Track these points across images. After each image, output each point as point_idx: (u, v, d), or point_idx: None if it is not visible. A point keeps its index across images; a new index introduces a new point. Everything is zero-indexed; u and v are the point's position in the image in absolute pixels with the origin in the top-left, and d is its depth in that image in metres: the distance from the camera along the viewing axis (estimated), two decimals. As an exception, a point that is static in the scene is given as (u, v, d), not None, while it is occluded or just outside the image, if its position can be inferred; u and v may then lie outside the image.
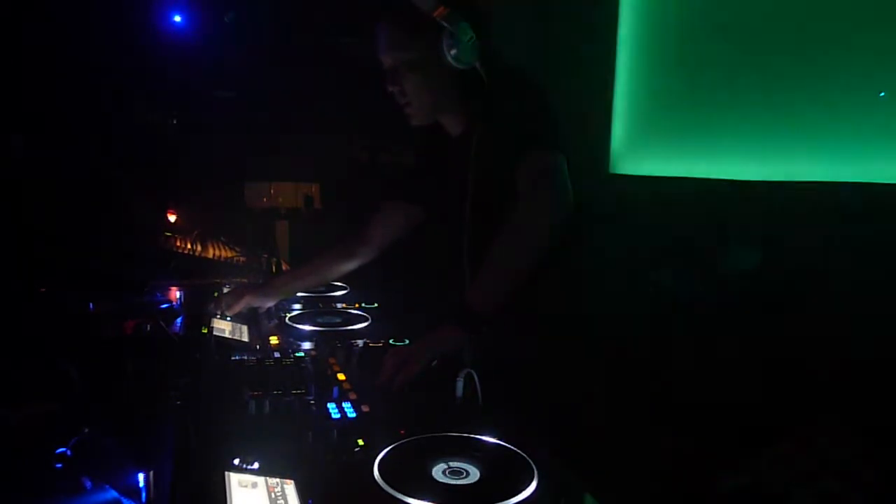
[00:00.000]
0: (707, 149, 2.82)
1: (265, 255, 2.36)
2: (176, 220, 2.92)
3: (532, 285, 1.57)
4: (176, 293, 2.03)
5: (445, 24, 1.37)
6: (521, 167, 1.40)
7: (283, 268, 2.27)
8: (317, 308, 1.93)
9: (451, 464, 0.98)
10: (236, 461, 0.95)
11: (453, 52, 1.39)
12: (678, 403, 2.38)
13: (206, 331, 1.58)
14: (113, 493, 0.91)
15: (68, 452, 0.96)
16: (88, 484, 0.91)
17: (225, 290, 1.96)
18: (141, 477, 0.91)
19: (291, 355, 1.45)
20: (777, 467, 1.98)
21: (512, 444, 1.04)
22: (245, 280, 2.24)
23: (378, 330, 1.74)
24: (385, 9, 1.46)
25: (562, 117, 1.50)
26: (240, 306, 1.78)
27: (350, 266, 1.83)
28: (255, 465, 0.95)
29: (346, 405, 1.21)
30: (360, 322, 1.78)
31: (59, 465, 0.95)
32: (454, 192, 1.58)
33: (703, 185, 2.73)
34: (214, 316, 1.70)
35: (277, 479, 0.92)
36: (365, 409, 1.20)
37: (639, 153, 3.20)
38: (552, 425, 1.30)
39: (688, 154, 2.91)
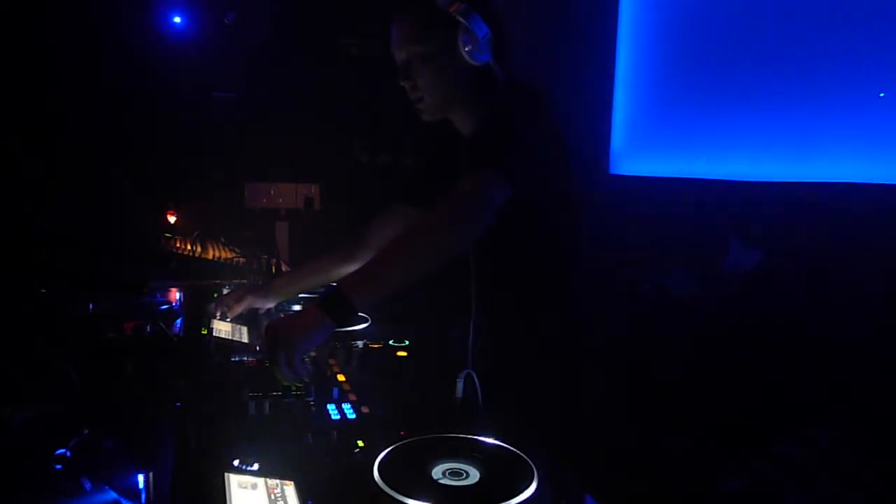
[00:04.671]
0: (707, 149, 2.82)
1: (265, 257, 2.35)
2: (176, 221, 2.92)
3: (532, 286, 1.57)
4: (176, 294, 2.03)
5: (461, 19, 1.35)
6: (466, 173, 1.34)
7: (283, 269, 2.26)
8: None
9: (451, 465, 0.97)
10: (236, 462, 0.95)
11: (467, 47, 1.37)
12: (677, 403, 2.38)
13: (205, 332, 1.58)
14: (112, 495, 0.91)
15: (68, 453, 0.96)
16: (88, 485, 0.91)
17: (225, 292, 1.96)
18: (140, 478, 0.91)
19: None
20: (776, 467, 1.98)
21: (512, 445, 1.04)
22: (245, 281, 2.23)
23: (377, 331, 1.74)
24: (400, 2, 1.45)
25: (561, 141, 1.46)
26: (240, 307, 1.78)
27: (350, 268, 1.81)
28: (255, 467, 0.95)
29: (346, 406, 1.21)
30: (360, 323, 1.78)
31: (59, 467, 0.95)
32: None
33: (703, 185, 2.73)
34: (214, 317, 1.70)
35: (277, 481, 0.92)
36: (365, 410, 1.20)
37: (639, 153, 3.20)
38: (552, 426, 1.30)
39: (687, 154, 2.91)
